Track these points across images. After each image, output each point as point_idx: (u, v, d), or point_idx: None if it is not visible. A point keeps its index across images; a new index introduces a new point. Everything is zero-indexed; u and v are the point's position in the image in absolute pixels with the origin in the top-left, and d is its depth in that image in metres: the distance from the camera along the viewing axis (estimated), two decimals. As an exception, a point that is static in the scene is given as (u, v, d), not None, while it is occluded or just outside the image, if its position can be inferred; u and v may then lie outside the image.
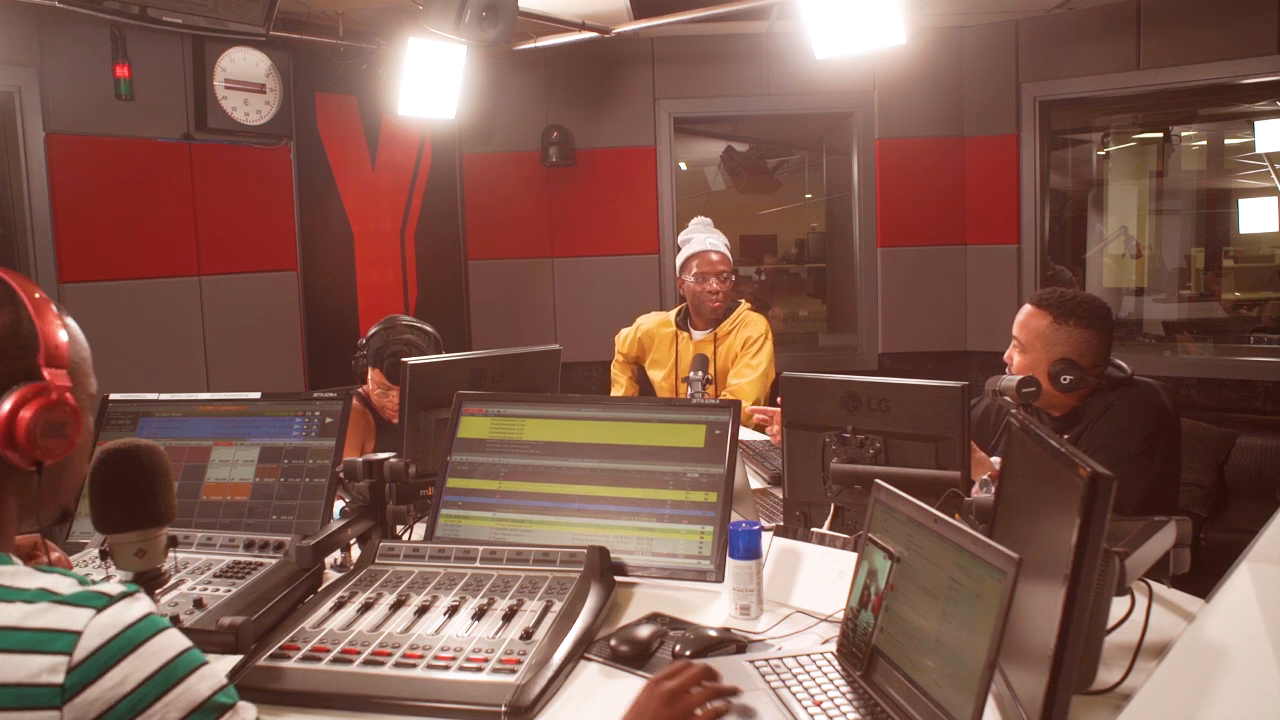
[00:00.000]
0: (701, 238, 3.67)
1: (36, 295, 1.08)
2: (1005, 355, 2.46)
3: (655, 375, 3.77)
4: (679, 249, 3.76)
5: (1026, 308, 2.44)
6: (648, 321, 3.81)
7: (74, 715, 0.91)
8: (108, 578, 1.41)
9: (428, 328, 3.03)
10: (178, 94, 4.00)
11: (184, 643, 0.99)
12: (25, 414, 1.02)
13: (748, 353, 3.56)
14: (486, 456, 2.09)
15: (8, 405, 1.02)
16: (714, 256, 3.60)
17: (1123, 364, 2.43)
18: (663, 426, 2.02)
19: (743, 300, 3.70)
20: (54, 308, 1.09)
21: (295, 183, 4.45)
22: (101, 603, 0.96)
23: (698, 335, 3.65)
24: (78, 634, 0.93)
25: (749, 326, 3.60)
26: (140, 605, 0.98)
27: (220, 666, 1.03)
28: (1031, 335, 2.37)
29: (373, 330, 3.01)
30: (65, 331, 1.10)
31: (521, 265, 5.12)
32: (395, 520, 2.03)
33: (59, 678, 0.91)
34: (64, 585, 0.97)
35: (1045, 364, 2.35)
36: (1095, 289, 5.23)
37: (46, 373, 1.04)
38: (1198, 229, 5.68)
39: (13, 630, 0.93)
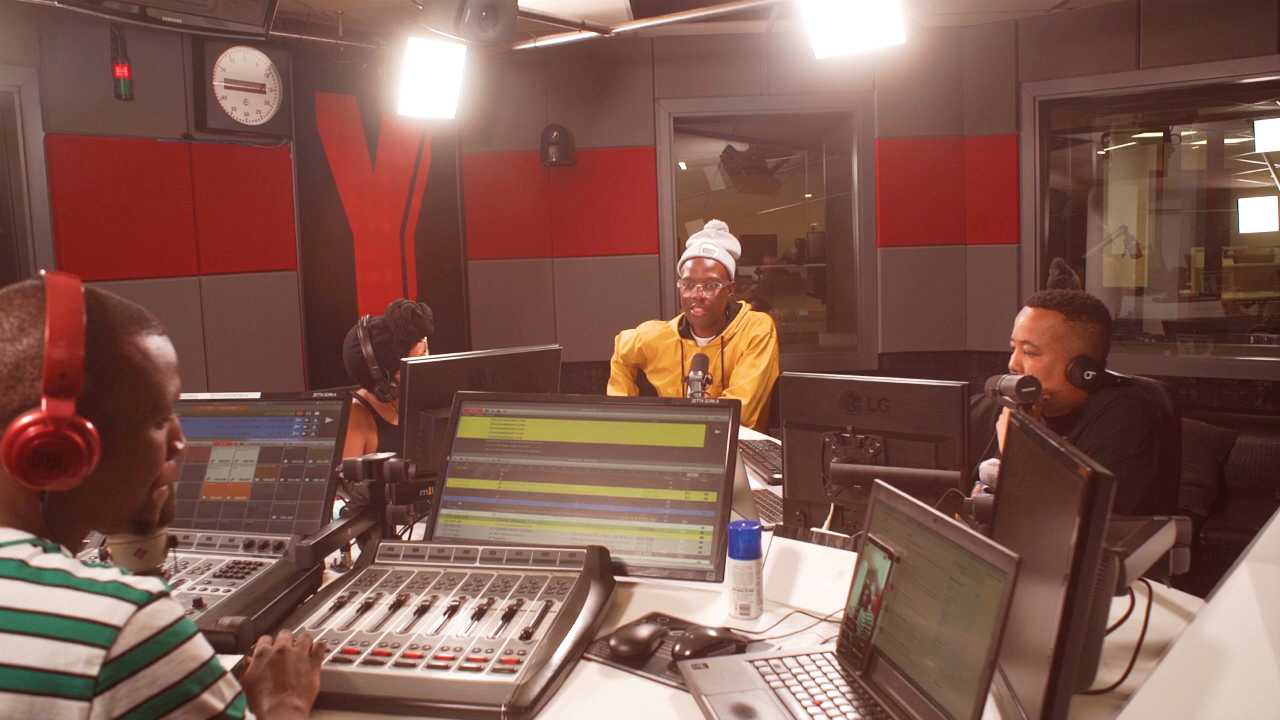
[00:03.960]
0: (699, 242, 3.62)
1: (66, 313, 1.05)
2: (1012, 364, 2.42)
3: (659, 382, 3.75)
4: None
5: (1029, 311, 2.42)
6: (649, 333, 3.78)
7: (102, 708, 0.93)
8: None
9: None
10: (177, 94, 4.00)
11: (209, 650, 1.03)
12: (18, 444, 1.02)
13: (752, 351, 3.55)
14: (486, 456, 2.09)
15: (9, 431, 1.03)
16: (708, 263, 3.54)
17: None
18: (663, 426, 2.02)
19: (743, 302, 3.68)
20: (101, 322, 1.08)
21: (295, 183, 4.45)
22: (143, 599, 0.98)
23: (702, 342, 3.64)
24: (118, 629, 0.95)
25: (755, 326, 3.59)
26: (175, 607, 1.01)
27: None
28: (1048, 336, 2.36)
29: (370, 343, 2.88)
30: (117, 349, 1.09)
31: (521, 265, 5.12)
32: (395, 520, 2.04)
33: (94, 670, 0.93)
34: (105, 576, 1.00)
35: (1064, 363, 2.34)
36: (1095, 289, 5.23)
37: (47, 402, 1.03)
38: (1198, 229, 5.69)
39: (55, 616, 0.95)
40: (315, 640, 1.44)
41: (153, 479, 1.16)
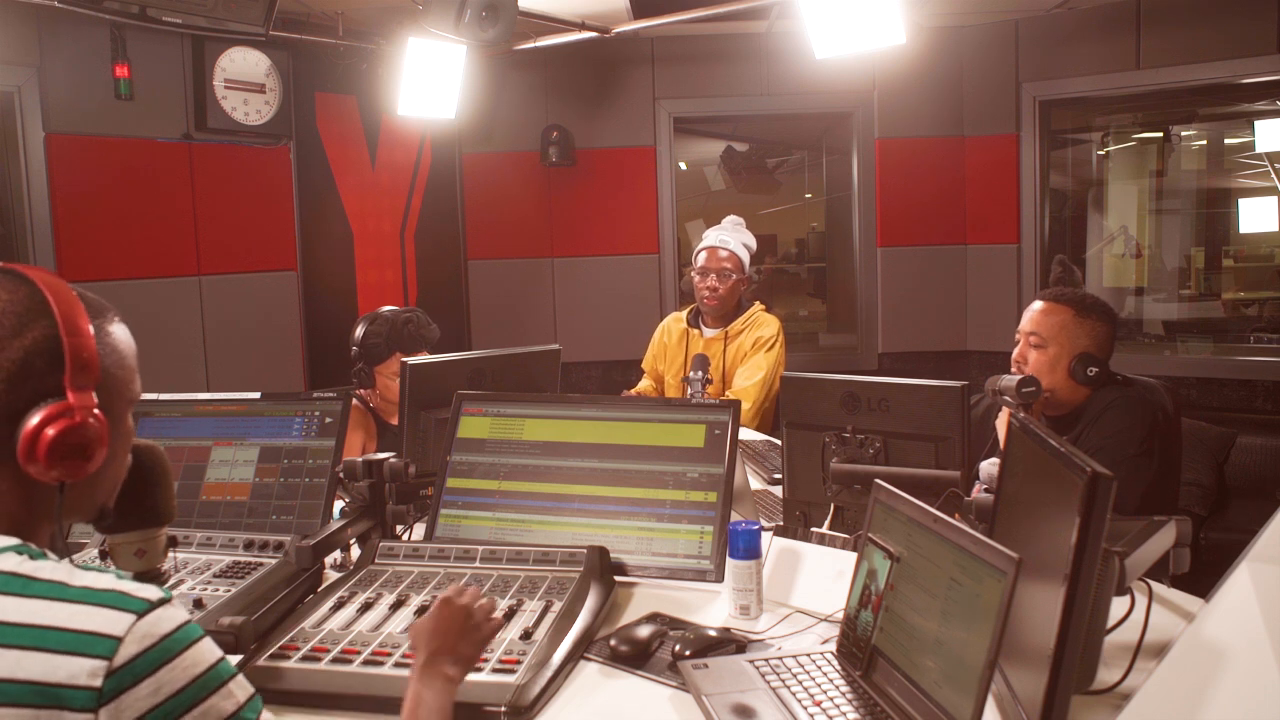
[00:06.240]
0: (715, 234, 3.65)
1: (69, 303, 1.06)
2: (1016, 355, 2.43)
3: (664, 371, 3.77)
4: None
5: (1039, 304, 2.43)
6: (666, 321, 3.83)
7: (108, 718, 0.92)
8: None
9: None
10: (177, 94, 4.00)
11: (216, 653, 1.01)
12: (47, 435, 1.01)
13: (756, 353, 3.55)
14: (486, 456, 2.09)
15: (33, 424, 1.02)
16: (723, 253, 3.57)
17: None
18: (662, 426, 2.02)
19: (757, 302, 3.69)
20: (88, 312, 1.08)
21: (295, 183, 4.45)
22: (142, 608, 0.96)
23: (709, 333, 3.65)
24: (118, 639, 0.94)
25: (761, 327, 3.58)
26: (177, 613, 0.99)
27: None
28: (1055, 330, 2.37)
29: (364, 329, 2.96)
30: (105, 338, 1.09)
31: (521, 265, 5.12)
32: (395, 520, 2.03)
33: (98, 681, 0.92)
34: (102, 584, 0.98)
35: (1068, 358, 2.35)
36: (1095, 288, 5.23)
37: (71, 394, 1.03)
38: (1198, 229, 5.68)
39: (54, 630, 0.94)
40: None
41: (127, 464, 1.18)
